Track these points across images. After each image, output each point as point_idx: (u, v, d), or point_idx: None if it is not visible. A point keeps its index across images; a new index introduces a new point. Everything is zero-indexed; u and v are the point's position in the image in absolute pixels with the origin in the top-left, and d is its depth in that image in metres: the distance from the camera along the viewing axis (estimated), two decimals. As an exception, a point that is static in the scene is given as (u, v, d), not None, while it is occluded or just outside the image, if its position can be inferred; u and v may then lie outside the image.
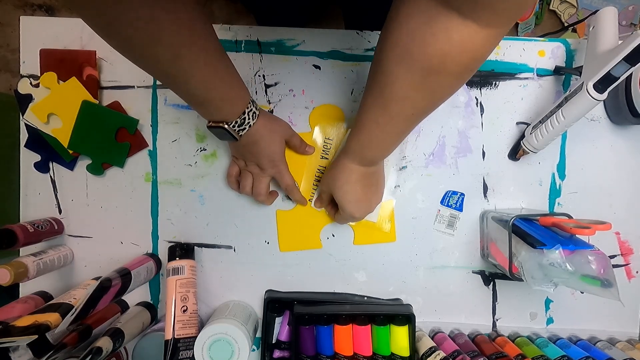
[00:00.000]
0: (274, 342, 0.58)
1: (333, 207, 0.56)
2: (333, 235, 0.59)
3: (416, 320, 0.55)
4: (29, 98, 0.56)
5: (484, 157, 0.59)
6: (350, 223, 0.58)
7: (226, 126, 0.45)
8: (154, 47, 0.34)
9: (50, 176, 0.58)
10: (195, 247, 0.58)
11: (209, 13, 1.28)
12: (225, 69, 0.41)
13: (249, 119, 0.46)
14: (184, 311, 0.51)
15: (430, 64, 0.34)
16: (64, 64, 0.56)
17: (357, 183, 0.50)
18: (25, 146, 0.57)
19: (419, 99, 0.38)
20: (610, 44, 0.49)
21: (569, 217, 0.52)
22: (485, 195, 0.59)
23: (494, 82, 0.59)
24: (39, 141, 0.56)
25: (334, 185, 0.51)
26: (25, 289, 0.57)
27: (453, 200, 0.59)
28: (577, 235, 0.48)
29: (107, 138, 0.56)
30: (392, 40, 0.35)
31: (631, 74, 0.51)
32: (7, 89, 1.27)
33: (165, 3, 0.32)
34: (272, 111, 0.58)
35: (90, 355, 0.44)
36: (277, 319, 0.58)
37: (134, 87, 0.57)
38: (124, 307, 0.57)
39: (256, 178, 0.54)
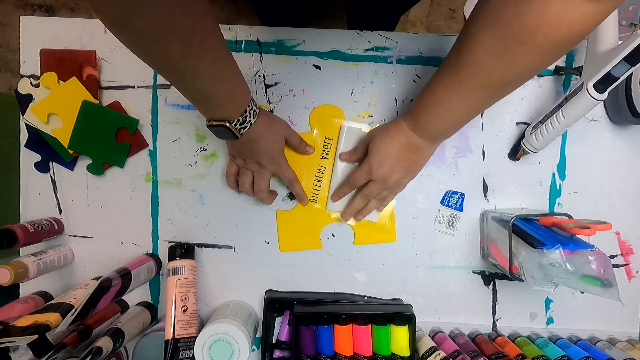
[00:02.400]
0: (274, 342, 0.58)
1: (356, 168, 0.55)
2: (333, 235, 0.59)
3: (416, 320, 0.55)
4: (29, 98, 0.56)
5: (484, 157, 0.59)
6: (352, 223, 0.59)
7: (228, 124, 0.45)
8: (166, 41, 0.34)
9: (50, 176, 0.58)
10: (195, 247, 0.58)
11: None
12: (230, 67, 0.42)
13: (250, 117, 0.46)
14: (184, 311, 0.51)
15: (519, 33, 0.33)
16: (64, 64, 0.56)
17: (399, 143, 0.49)
18: (25, 146, 0.57)
19: (494, 69, 0.37)
20: (610, 44, 0.49)
21: (569, 217, 0.52)
22: (485, 195, 0.59)
23: (494, 82, 0.59)
24: (39, 141, 0.56)
25: (378, 132, 0.51)
26: (25, 289, 0.57)
27: (453, 200, 0.59)
28: (577, 235, 0.48)
29: (107, 138, 0.56)
30: (484, 9, 0.35)
31: (631, 74, 0.51)
32: (7, 89, 1.27)
33: None
34: (272, 111, 0.58)
35: (90, 355, 0.44)
36: (277, 319, 0.58)
37: (134, 87, 0.58)
38: (124, 307, 0.57)
39: (256, 175, 0.54)
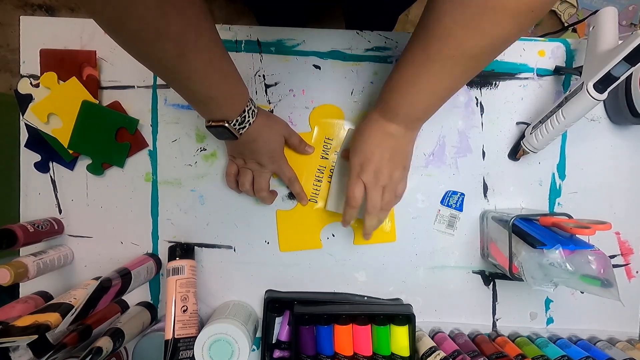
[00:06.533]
0: (274, 342, 0.58)
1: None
2: (333, 235, 0.59)
3: (416, 320, 0.55)
4: (29, 98, 0.56)
5: (484, 157, 0.59)
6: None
7: (227, 125, 0.45)
8: (161, 42, 0.34)
9: (50, 176, 0.58)
10: (195, 247, 0.58)
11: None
12: (227, 67, 0.42)
13: (249, 117, 0.46)
14: (184, 311, 0.51)
15: None
16: (64, 64, 0.56)
17: (374, 137, 0.46)
18: (25, 146, 0.57)
19: (464, 39, 0.34)
20: (610, 44, 0.49)
21: (569, 217, 0.52)
22: (485, 195, 0.59)
23: (494, 82, 0.59)
24: (39, 141, 0.56)
25: (354, 132, 0.50)
26: (25, 289, 0.57)
27: (453, 200, 0.59)
28: (577, 235, 0.48)
29: (107, 138, 0.56)
30: None
31: (631, 74, 0.51)
32: (7, 89, 1.27)
33: None
34: (272, 111, 0.58)
35: (90, 355, 0.44)
36: (277, 319, 0.58)
37: (134, 87, 0.57)
38: (124, 307, 0.57)
39: (257, 174, 0.54)
